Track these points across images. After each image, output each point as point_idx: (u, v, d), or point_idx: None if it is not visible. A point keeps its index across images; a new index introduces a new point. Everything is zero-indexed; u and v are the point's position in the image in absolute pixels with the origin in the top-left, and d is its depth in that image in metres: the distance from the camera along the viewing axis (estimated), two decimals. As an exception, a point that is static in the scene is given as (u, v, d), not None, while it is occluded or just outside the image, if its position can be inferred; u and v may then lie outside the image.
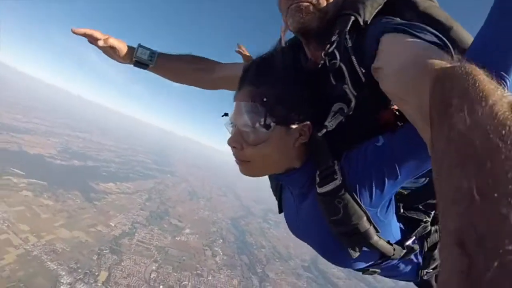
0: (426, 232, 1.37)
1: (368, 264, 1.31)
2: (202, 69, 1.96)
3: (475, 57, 0.63)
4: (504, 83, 0.72)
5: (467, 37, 1.10)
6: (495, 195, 0.34)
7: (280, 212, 1.50)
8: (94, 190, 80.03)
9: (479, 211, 0.34)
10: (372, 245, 1.15)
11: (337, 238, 1.16)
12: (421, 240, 1.38)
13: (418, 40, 0.90)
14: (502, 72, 0.72)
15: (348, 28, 1.11)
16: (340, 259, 1.26)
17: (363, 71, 1.07)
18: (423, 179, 1.31)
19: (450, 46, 0.91)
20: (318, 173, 1.14)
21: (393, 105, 1.11)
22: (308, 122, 1.12)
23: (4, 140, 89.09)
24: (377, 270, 1.38)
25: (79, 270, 42.19)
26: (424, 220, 1.36)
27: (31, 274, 37.90)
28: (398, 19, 1.09)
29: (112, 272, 45.14)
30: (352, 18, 1.12)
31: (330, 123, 1.08)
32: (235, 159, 1.18)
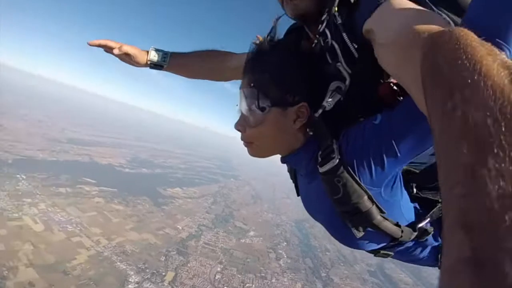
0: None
1: (379, 246, 1.30)
2: (213, 62, 2.00)
3: (470, 24, 0.60)
4: (502, 51, 0.66)
5: None
6: (500, 173, 0.31)
7: (298, 195, 1.49)
8: (161, 196, 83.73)
9: (484, 191, 0.31)
10: (376, 226, 1.14)
11: (341, 217, 1.17)
12: (439, 222, 1.31)
13: (411, 6, 0.87)
14: (498, 40, 0.66)
15: (335, 4, 1.12)
16: (347, 239, 1.27)
17: (355, 46, 1.07)
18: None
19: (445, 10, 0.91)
20: (319, 153, 1.15)
21: (389, 79, 1.11)
22: (305, 103, 1.14)
23: (76, 153, 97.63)
24: (389, 253, 1.36)
25: (147, 270, 43.70)
26: (441, 200, 1.27)
27: (101, 274, 40.14)
28: None
29: (179, 273, 46.15)
30: None
31: (328, 103, 1.10)
32: (242, 142, 1.25)
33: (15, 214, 45.66)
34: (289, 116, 1.16)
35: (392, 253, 1.37)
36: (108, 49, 1.88)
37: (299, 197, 1.49)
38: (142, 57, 1.93)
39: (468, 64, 0.44)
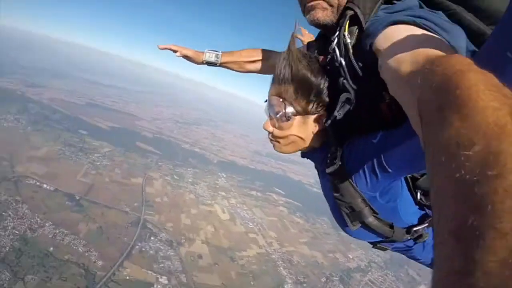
0: None
1: (375, 240, 1.52)
2: (259, 60, 2.37)
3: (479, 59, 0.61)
4: None
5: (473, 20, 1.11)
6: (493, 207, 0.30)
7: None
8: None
9: (478, 204, 0.32)
10: (367, 224, 1.35)
11: (341, 210, 1.39)
12: None
13: (418, 32, 0.90)
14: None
15: (345, 24, 1.21)
16: (346, 228, 1.49)
17: (360, 65, 1.17)
18: None
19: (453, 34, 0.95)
20: (328, 155, 1.37)
21: (388, 99, 1.15)
22: (322, 112, 1.38)
23: (272, 166, 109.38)
24: (386, 247, 1.57)
25: (304, 285, 44.68)
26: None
27: (262, 271, 44.15)
28: (399, 6, 1.14)
29: (333, 299, 44.57)
30: (350, 12, 1.21)
31: (339, 112, 1.25)
32: (269, 139, 1.49)
33: (208, 201, 57.16)
34: (309, 123, 1.40)
35: (388, 248, 1.55)
36: (173, 52, 2.35)
37: None
38: (198, 58, 2.35)
39: (456, 101, 0.45)
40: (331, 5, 1.31)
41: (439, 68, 0.57)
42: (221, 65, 2.39)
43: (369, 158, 1.21)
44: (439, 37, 0.90)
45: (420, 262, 1.74)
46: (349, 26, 1.21)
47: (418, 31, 0.92)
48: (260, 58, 2.37)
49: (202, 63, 2.37)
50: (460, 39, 1.01)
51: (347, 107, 1.23)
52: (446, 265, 0.31)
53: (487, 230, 0.29)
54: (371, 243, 1.61)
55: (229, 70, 2.45)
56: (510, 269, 0.26)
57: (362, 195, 1.29)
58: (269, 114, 1.46)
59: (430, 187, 0.45)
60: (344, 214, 1.39)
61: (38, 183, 44.44)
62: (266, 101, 1.50)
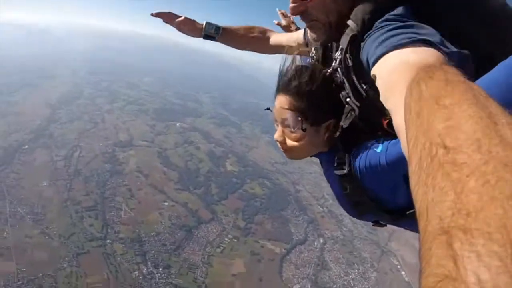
0: None
1: (374, 220, 1.70)
2: (259, 38, 2.41)
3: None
4: None
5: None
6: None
7: (322, 167, 1.81)
8: None
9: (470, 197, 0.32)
10: (372, 213, 1.57)
11: (347, 202, 1.59)
12: None
13: (403, 52, 0.94)
14: None
15: (347, 47, 1.29)
16: (352, 214, 1.69)
17: (364, 87, 1.27)
18: None
19: (443, 40, 0.99)
20: (336, 159, 1.50)
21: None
22: (332, 120, 1.51)
23: None
24: (384, 224, 1.70)
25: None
26: None
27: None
28: (390, 21, 1.12)
29: None
30: (352, 33, 1.25)
31: (345, 122, 1.41)
32: (280, 148, 1.60)
33: None
34: (321, 131, 1.52)
35: (386, 224, 1.69)
36: (168, 20, 2.31)
37: None
38: (197, 29, 2.34)
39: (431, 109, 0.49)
40: (323, 24, 1.38)
41: (417, 82, 0.61)
42: (220, 39, 2.36)
43: (374, 165, 1.31)
44: (425, 41, 0.93)
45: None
46: (350, 47, 1.28)
47: (400, 53, 0.94)
48: (261, 36, 2.38)
49: (200, 35, 2.34)
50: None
51: (352, 116, 1.37)
52: (434, 266, 0.31)
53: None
54: (370, 222, 1.76)
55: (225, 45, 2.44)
56: None
57: (368, 192, 1.44)
58: (280, 125, 1.55)
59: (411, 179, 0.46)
60: (352, 205, 1.56)
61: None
62: (268, 109, 1.63)
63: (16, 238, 30.94)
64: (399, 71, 0.85)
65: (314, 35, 1.44)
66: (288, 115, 1.48)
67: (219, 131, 69.11)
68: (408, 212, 1.43)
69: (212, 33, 2.31)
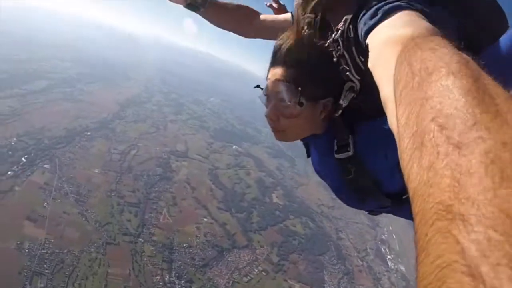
0: None
1: (372, 208, 1.65)
2: (247, 17, 2.11)
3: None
4: None
5: None
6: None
7: (308, 157, 1.70)
8: None
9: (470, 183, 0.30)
10: (375, 199, 1.45)
11: (349, 189, 1.45)
12: None
13: (393, 21, 0.93)
14: None
15: (351, 17, 1.22)
16: (350, 202, 1.60)
17: (362, 60, 1.21)
18: None
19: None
20: (336, 141, 1.39)
21: None
22: (331, 98, 1.37)
23: None
24: (381, 210, 1.64)
25: None
26: None
27: None
28: None
29: None
30: (356, 7, 1.20)
31: (344, 101, 1.32)
32: (270, 128, 1.46)
33: None
34: (318, 108, 1.38)
35: (383, 211, 1.62)
36: None
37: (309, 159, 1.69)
38: None
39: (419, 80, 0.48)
40: None
41: (404, 54, 0.60)
42: (204, 13, 2.04)
43: (380, 142, 1.24)
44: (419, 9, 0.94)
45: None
46: (353, 18, 1.21)
47: (391, 22, 0.94)
48: (247, 16, 2.11)
49: (184, 2, 2.00)
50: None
51: (352, 95, 1.29)
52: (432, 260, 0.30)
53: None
54: (367, 211, 1.71)
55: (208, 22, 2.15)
56: None
57: (373, 176, 1.34)
58: (269, 99, 1.42)
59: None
60: (353, 191, 1.44)
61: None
62: (258, 86, 1.49)
63: (54, 211, 32.55)
64: (388, 42, 0.83)
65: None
66: (284, 87, 1.34)
67: (272, 161, 68.59)
68: (404, 197, 1.37)
69: (199, 2, 1.99)
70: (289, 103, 1.34)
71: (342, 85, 1.32)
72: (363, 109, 1.33)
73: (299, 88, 1.30)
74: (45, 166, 38.68)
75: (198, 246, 36.15)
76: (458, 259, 0.26)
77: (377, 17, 1.00)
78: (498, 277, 0.23)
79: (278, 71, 1.37)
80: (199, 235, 37.87)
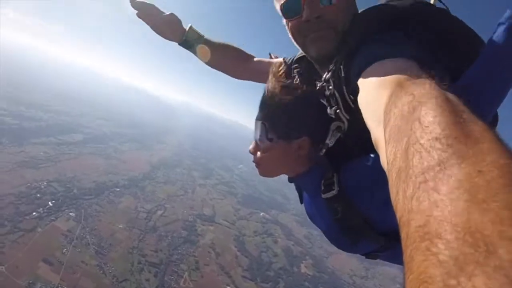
0: None
1: (368, 251, 1.56)
2: (239, 59, 2.14)
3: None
4: None
5: None
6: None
7: (301, 203, 1.71)
8: None
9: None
10: (367, 239, 1.38)
11: (339, 230, 1.39)
12: None
13: (384, 65, 0.94)
14: None
15: (343, 57, 1.23)
16: (343, 246, 1.53)
17: (352, 98, 1.21)
18: None
19: (428, 58, 1.00)
20: (322, 181, 1.39)
21: None
22: (306, 138, 1.40)
23: None
24: (378, 254, 1.58)
25: None
26: None
27: None
28: (380, 39, 1.12)
29: None
30: (351, 44, 1.20)
31: (330, 140, 1.34)
32: (253, 161, 1.55)
33: None
34: (293, 147, 1.43)
35: (380, 255, 1.58)
36: (145, 16, 1.87)
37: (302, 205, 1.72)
38: (178, 32, 1.95)
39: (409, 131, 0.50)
40: (336, 33, 1.29)
41: (393, 102, 0.64)
42: (199, 50, 2.00)
43: (367, 180, 1.27)
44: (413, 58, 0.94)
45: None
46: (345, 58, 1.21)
47: (385, 66, 0.94)
48: (240, 57, 2.14)
49: (179, 40, 1.96)
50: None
51: (338, 134, 1.33)
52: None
53: None
54: (362, 254, 1.63)
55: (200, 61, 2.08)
56: None
57: (362, 214, 1.30)
58: (254, 138, 1.52)
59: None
60: (345, 232, 1.39)
61: None
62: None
63: (72, 259, 32.27)
64: (378, 85, 0.86)
65: (324, 47, 1.32)
66: (258, 124, 1.48)
67: (301, 230, 66.28)
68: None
69: (194, 40, 1.98)
70: (262, 139, 1.47)
71: (326, 125, 1.36)
72: (350, 147, 1.35)
73: (265, 124, 1.44)
74: (70, 213, 39.60)
75: (219, 316, 33.68)
76: (438, 273, 0.29)
77: (368, 61, 1.03)
78: (473, 285, 0.26)
79: (259, 113, 1.51)
80: (220, 303, 35.47)
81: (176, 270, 37.84)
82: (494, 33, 1.07)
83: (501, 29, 1.04)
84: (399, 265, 1.54)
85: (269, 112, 1.46)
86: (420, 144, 0.45)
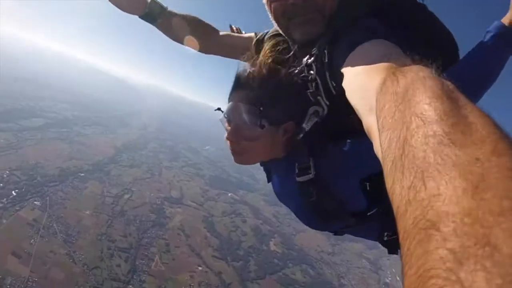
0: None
1: (337, 229, 1.62)
2: (206, 33, 1.99)
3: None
4: None
5: None
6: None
7: (268, 182, 1.68)
8: None
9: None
10: (338, 219, 1.43)
11: (312, 211, 1.40)
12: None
13: (381, 45, 0.95)
14: None
15: (328, 42, 1.19)
16: (314, 225, 1.55)
17: (334, 84, 1.19)
18: None
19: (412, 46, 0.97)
20: (297, 164, 1.34)
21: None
22: (291, 122, 1.35)
23: None
24: (345, 231, 1.62)
25: None
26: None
27: None
28: (367, 23, 1.15)
29: None
30: (336, 28, 1.20)
31: (307, 124, 1.31)
32: (230, 151, 1.39)
33: None
34: (280, 132, 1.35)
35: (347, 231, 1.63)
36: None
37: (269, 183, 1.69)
38: (139, 4, 1.81)
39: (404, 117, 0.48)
40: (323, 17, 1.27)
41: (387, 86, 0.61)
42: (160, 24, 1.88)
43: (343, 167, 1.28)
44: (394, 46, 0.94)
45: (372, 240, 1.70)
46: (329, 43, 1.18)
47: (374, 46, 0.96)
48: (207, 30, 2.00)
49: (140, 12, 1.82)
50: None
51: (315, 119, 1.29)
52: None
53: None
54: (331, 232, 1.68)
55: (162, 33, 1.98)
56: None
57: (335, 196, 1.32)
58: (234, 123, 1.36)
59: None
60: (317, 213, 1.39)
61: None
62: (219, 109, 1.44)
63: (41, 249, 31.27)
64: (367, 71, 0.84)
65: (310, 31, 1.29)
66: (245, 109, 1.31)
67: (269, 209, 67.35)
68: (368, 214, 1.39)
69: (156, 13, 1.84)
70: (250, 125, 1.32)
71: (306, 109, 1.32)
72: (327, 132, 1.32)
73: (261, 109, 1.29)
74: (35, 202, 38.06)
75: (192, 296, 33.93)
76: (437, 268, 0.28)
77: (354, 44, 1.02)
78: (474, 280, 0.25)
79: (241, 94, 1.36)
80: (192, 284, 36.08)
81: (146, 253, 37.41)
82: (483, 38, 1.32)
83: (489, 36, 1.33)
84: (364, 240, 1.76)
85: (264, 95, 1.32)
86: (416, 132, 0.43)
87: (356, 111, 0.85)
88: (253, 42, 1.80)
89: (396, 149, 0.46)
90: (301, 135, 1.33)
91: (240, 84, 1.38)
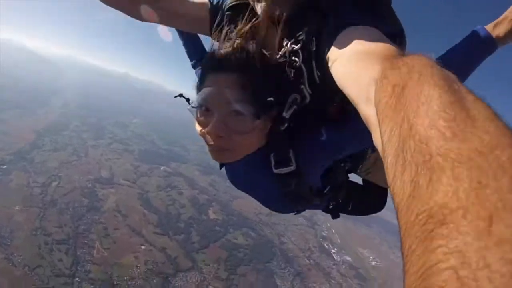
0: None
1: (302, 210, 1.71)
2: None
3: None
4: None
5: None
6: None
7: (220, 169, 1.60)
8: None
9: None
10: (311, 205, 1.55)
11: (284, 199, 1.43)
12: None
13: (372, 32, 0.93)
14: None
15: (314, 28, 1.14)
16: (281, 209, 1.68)
17: (319, 74, 1.14)
18: None
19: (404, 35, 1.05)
20: (273, 155, 1.25)
21: (339, 101, 1.24)
22: (275, 110, 1.20)
23: None
24: (305, 209, 1.71)
25: None
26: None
27: None
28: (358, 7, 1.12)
29: None
30: (319, 16, 1.14)
31: (287, 113, 1.18)
32: (212, 147, 1.18)
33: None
34: (268, 122, 1.21)
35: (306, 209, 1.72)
36: None
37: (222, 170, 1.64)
38: None
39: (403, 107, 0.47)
40: None
41: (387, 76, 0.59)
42: None
43: (319, 155, 1.28)
44: (390, 34, 0.93)
45: (318, 209, 1.78)
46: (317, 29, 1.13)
47: (368, 32, 0.93)
48: None
49: None
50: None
51: (294, 107, 1.19)
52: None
53: None
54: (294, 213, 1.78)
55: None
56: None
57: (313, 186, 1.40)
58: (218, 113, 1.12)
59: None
60: (290, 200, 1.44)
61: None
62: (181, 95, 1.26)
63: None
64: (362, 58, 0.82)
65: (270, 3, 1.16)
66: (237, 96, 1.09)
67: (204, 178, 67.93)
68: (325, 192, 1.49)
69: None
70: (243, 115, 1.12)
71: (287, 97, 1.19)
72: (306, 122, 1.27)
73: (256, 97, 1.12)
74: None
75: (140, 277, 34.11)
76: (441, 267, 0.27)
77: (346, 25, 1.00)
78: (477, 279, 0.24)
79: (227, 78, 1.12)
80: (139, 265, 35.83)
81: (86, 241, 35.98)
82: (469, 35, 1.44)
83: (472, 39, 1.43)
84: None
85: (257, 80, 1.14)
86: (418, 124, 0.41)
87: (350, 100, 0.83)
88: (208, 10, 1.52)
89: (396, 142, 0.45)
90: (285, 125, 1.21)
91: (223, 63, 1.16)
